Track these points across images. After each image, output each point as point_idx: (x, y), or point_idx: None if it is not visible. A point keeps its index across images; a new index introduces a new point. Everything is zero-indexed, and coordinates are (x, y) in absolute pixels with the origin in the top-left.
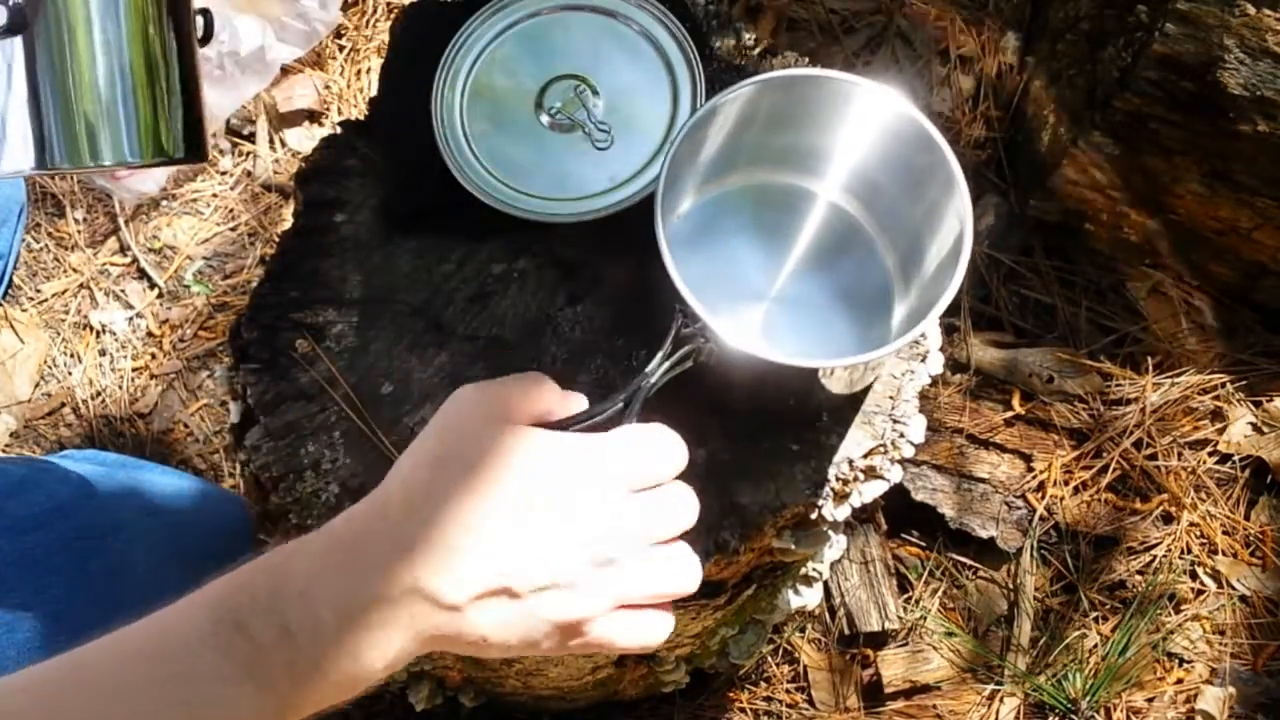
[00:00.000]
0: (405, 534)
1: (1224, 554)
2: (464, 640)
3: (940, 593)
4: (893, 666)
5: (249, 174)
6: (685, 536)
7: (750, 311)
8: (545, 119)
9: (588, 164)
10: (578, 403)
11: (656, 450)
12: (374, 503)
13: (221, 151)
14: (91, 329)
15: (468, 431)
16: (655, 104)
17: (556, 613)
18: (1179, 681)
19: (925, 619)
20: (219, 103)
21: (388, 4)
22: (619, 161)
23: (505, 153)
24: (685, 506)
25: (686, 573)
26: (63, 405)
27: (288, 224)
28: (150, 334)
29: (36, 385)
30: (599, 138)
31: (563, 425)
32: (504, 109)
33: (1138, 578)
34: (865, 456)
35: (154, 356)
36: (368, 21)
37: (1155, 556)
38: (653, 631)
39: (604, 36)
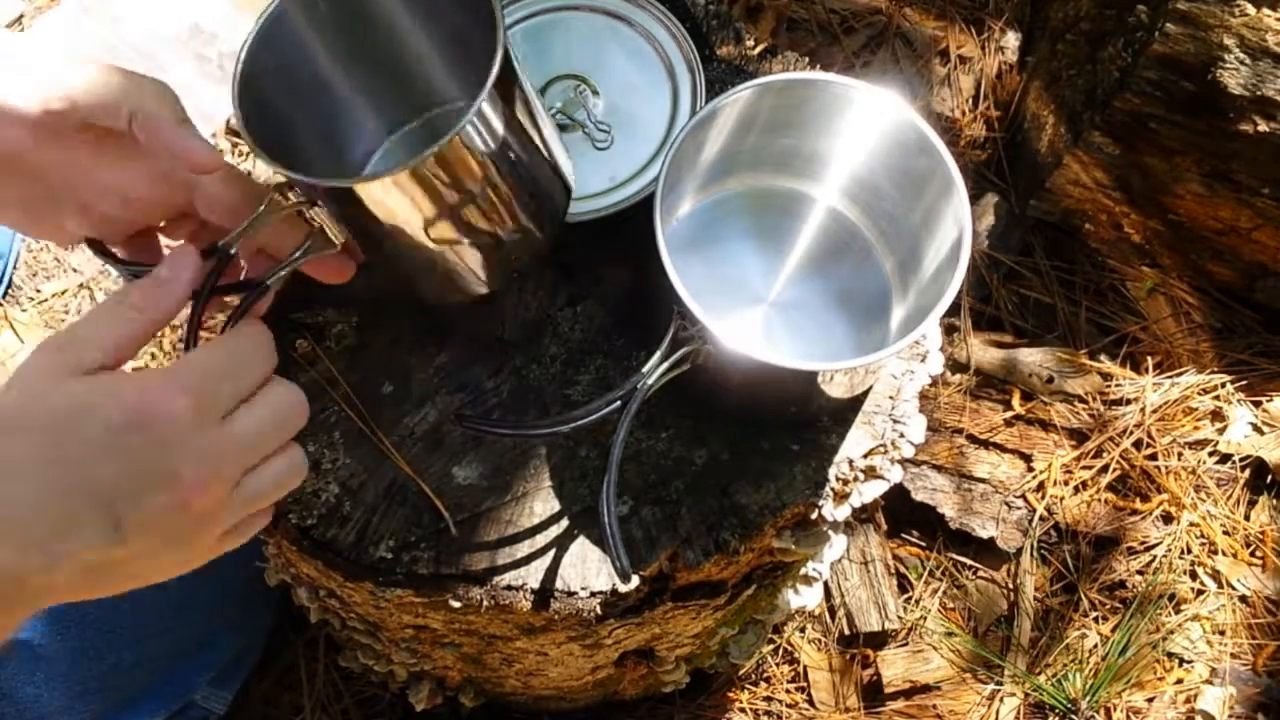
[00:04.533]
0: None
1: (1224, 554)
2: (75, 596)
3: (940, 593)
4: (893, 666)
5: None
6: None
7: (749, 314)
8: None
9: (588, 164)
10: (179, 275)
11: (235, 364)
12: None
13: (221, 152)
14: None
15: (19, 395)
16: (655, 104)
17: (158, 562)
18: (1179, 681)
19: (925, 619)
20: (219, 102)
21: None
22: (619, 162)
23: None
24: (284, 416)
25: (289, 473)
26: None
27: None
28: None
29: None
30: (599, 138)
31: (545, 428)
32: None
33: (1138, 578)
34: (865, 456)
35: (154, 356)
36: None
37: (1155, 556)
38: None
39: (604, 37)
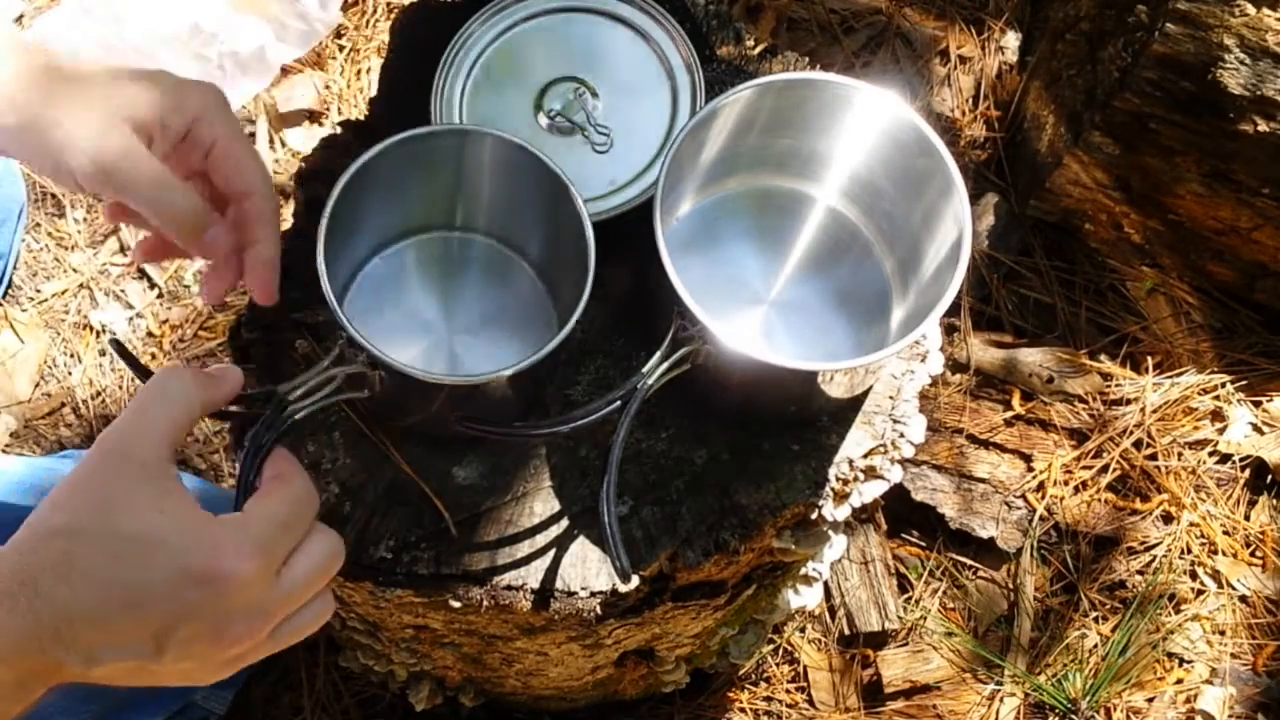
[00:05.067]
0: (33, 615)
1: (1224, 554)
2: (98, 683)
3: (940, 593)
4: (893, 666)
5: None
6: None
7: (749, 315)
8: (544, 121)
9: (588, 167)
10: (228, 377)
11: (295, 516)
12: (4, 578)
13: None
14: (91, 329)
15: (91, 500)
16: (655, 107)
17: (192, 678)
18: (1179, 681)
19: (925, 619)
20: None
21: (388, 4)
22: (619, 164)
23: None
24: (327, 567)
25: (319, 616)
26: (63, 405)
27: (288, 224)
28: (150, 334)
29: (36, 385)
30: (599, 140)
31: (538, 430)
32: (503, 111)
33: (1138, 578)
34: (865, 456)
35: (154, 356)
36: (368, 21)
37: (1155, 556)
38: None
39: (604, 39)
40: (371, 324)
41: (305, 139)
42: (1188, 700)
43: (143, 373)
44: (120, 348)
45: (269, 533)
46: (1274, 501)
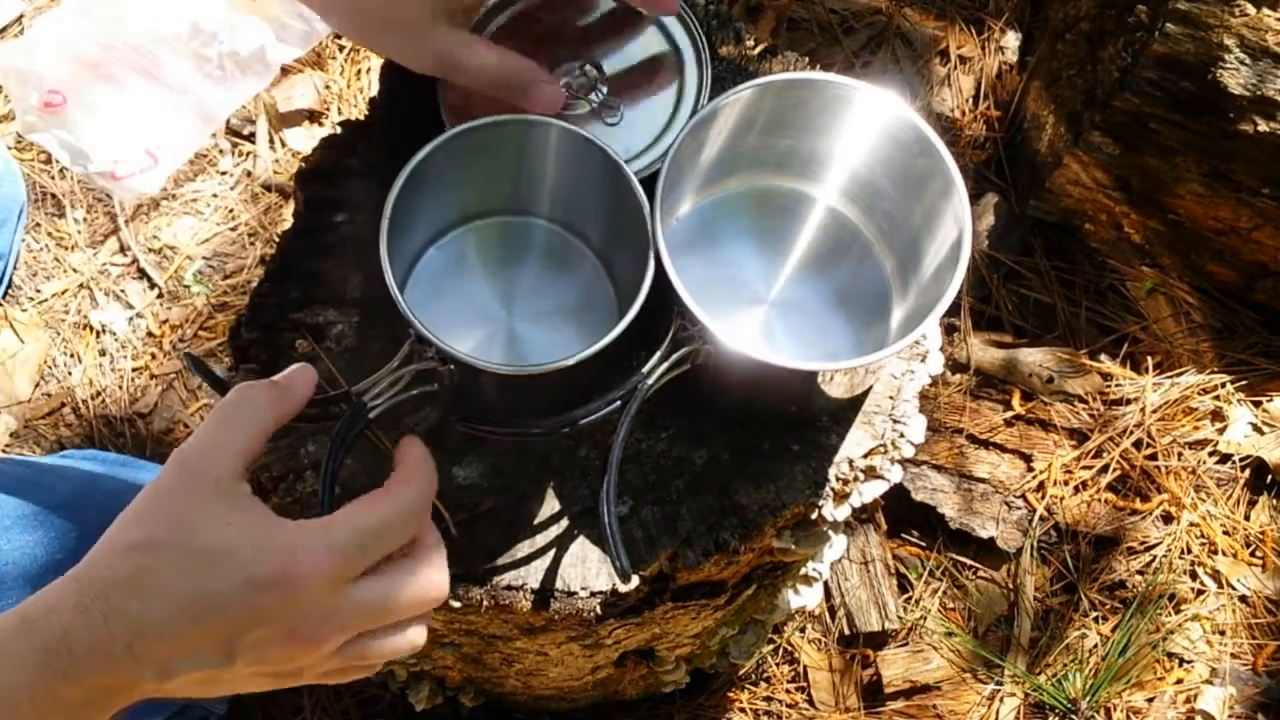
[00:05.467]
0: (107, 629)
1: (1224, 554)
2: (172, 696)
3: (940, 593)
4: (893, 666)
5: (249, 174)
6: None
7: (749, 315)
8: None
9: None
10: (299, 385)
11: (386, 528)
12: (79, 592)
13: (221, 151)
14: (91, 329)
15: (168, 515)
16: (661, 81)
17: (262, 686)
18: (1179, 681)
19: (925, 619)
20: (219, 103)
21: None
22: (631, 136)
23: None
24: (419, 599)
25: (397, 645)
26: (63, 405)
27: (288, 224)
28: (150, 334)
29: (36, 385)
30: (609, 114)
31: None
32: None
33: (1138, 578)
34: (865, 456)
35: (154, 356)
36: None
37: (1155, 556)
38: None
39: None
40: (431, 312)
41: (305, 139)
42: (1188, 700)
43: (220, 386)
44: (197, 362)
45: (349, 541)
46: (1274, 501)
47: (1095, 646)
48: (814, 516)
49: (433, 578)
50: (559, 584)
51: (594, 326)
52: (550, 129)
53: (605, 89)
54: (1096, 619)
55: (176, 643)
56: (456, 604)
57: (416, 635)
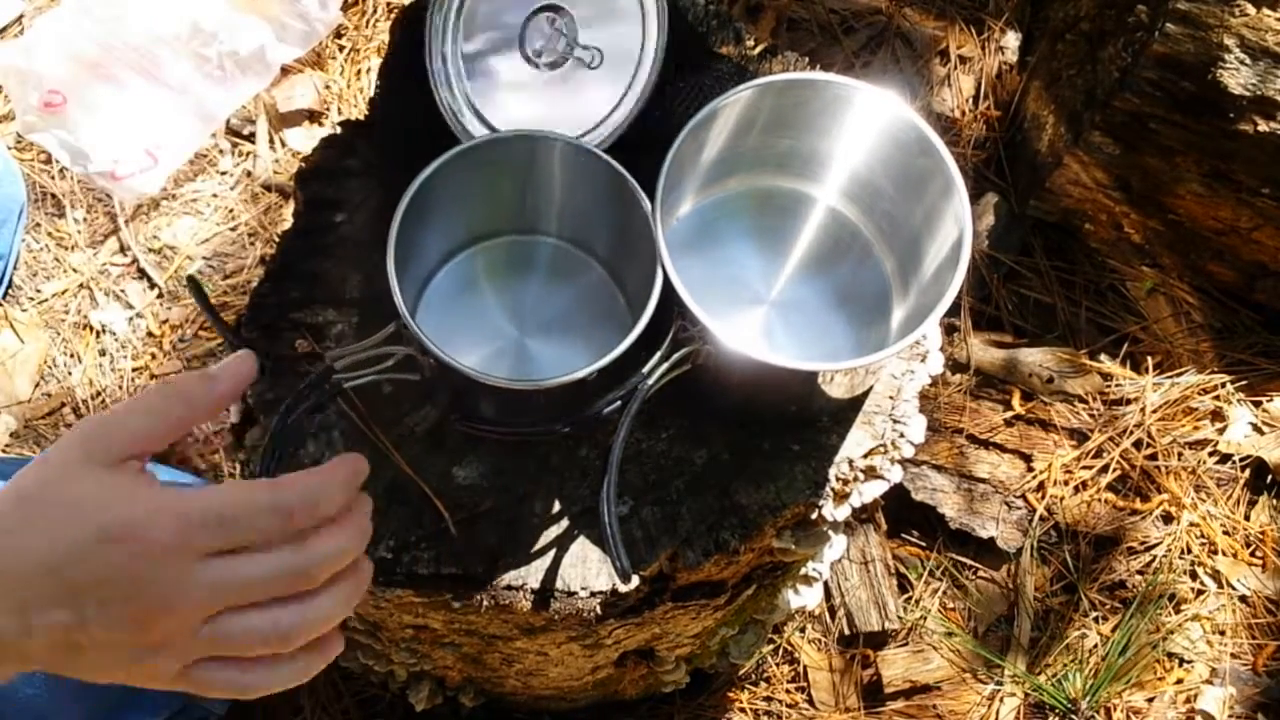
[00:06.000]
0: None
1: (1224, 554)
2: (54, 669)
3: (940, 593)
4: (893, 666)
5: (249, 174)
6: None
7: (749, 315)
8: (535, 61)
9: (589, 89)
10: (228, 377)
11: (227, 522)
12: None
13: (221, 151)
14: (91, 329)
15: (49, 471)
16: (627, 17)
17: (121, 665)
18: (1179, 681)
19: (925, 619)
20: (219, 103)
21: (388, 4)
22: (615, 82)
23: (512, 114)
24: (264, 580)
25: (254, 633)
26: (63, 405)
27: (288, 224)
28: (150, 334)
29: (36, 385)
30: (587, 57)
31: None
32: (497, 71)
33: (1138, 578)
34: (865, 456)
35: (154, 356)
36: (368, 21)
37: (1155, 556)
38: (230, 681)
39: None
40: (442, 330)
41: (305, 139)
42: (1188, 700)
43: (217, 319)
44: (195, 286)
45: (201, 517)
46: (1274, 501)
47: (1095, 646)
48: (814, 516)
49: (307, 568)
50: (559, 584)
51: (605, 339)
52: (555, 145)
53: (578, 34)
54: (1096, 619)
55: (30, 590)
56: (456, 604)
57: (289, 625)
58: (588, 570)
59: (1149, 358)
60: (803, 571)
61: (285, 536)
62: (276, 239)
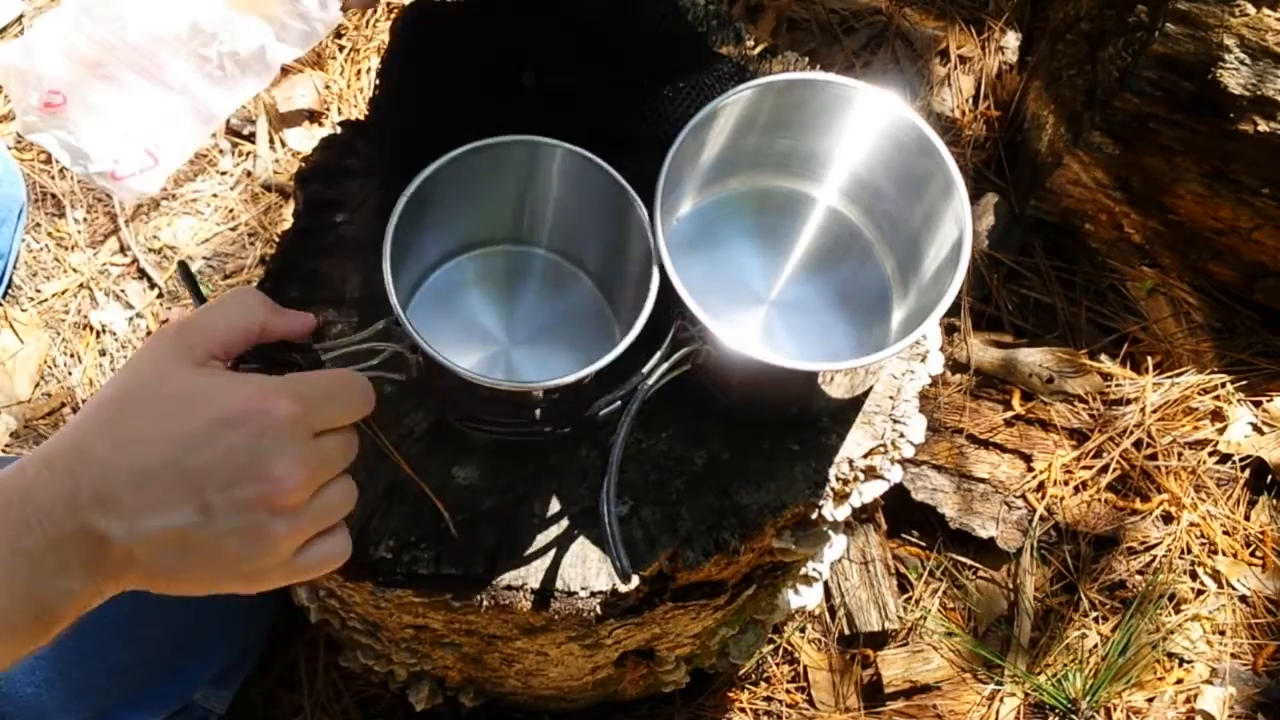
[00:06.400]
0: (72, 478)
1: (1224, 554)
2: (151, 579)
3: (940, 593)
4: (893, 666)
5: (249, 174)
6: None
7: (749, 315)
8: None
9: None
10: (295, 319)
11: (344, 391)
12: (47, 450)
13: (221, 151)
14: (92, 329)
15: (141, 374)
16: None
17: (235, 558)
18: (1179, 681)
19: (925, 619)
20: (219, 103)
21: (388, 4)
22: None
23: None
24: (351, 448)
25: (349, 495)
26: (63, 405)
27: (288, 224)
28: (150, 334)
29: (36, 385)
30: None
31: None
32: None
33: (1138, 578)
34: (865, 456)
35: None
36: (368, 21)
37: (1155, 556)
38: (335, 549)
39: None
40: (432, 334)
41: (305, 139)
42: (1188, 700)
43: (202, 300)
44: (185, 270)
45: (314, 391)
46: (1274, 501)
47: (1095, 646)
48: (814, 516)
49: (354, 435)
50: (559, 584)
51: (591, 351)
52: (555, 151)
53: None
54: (1096, 619)
55: (146, 491)
56: (456, 604)
57: (351, 483)
58: (588, 570)
59: (1149, 358)
60: (803, 571)
61: None
62: (276, 239)
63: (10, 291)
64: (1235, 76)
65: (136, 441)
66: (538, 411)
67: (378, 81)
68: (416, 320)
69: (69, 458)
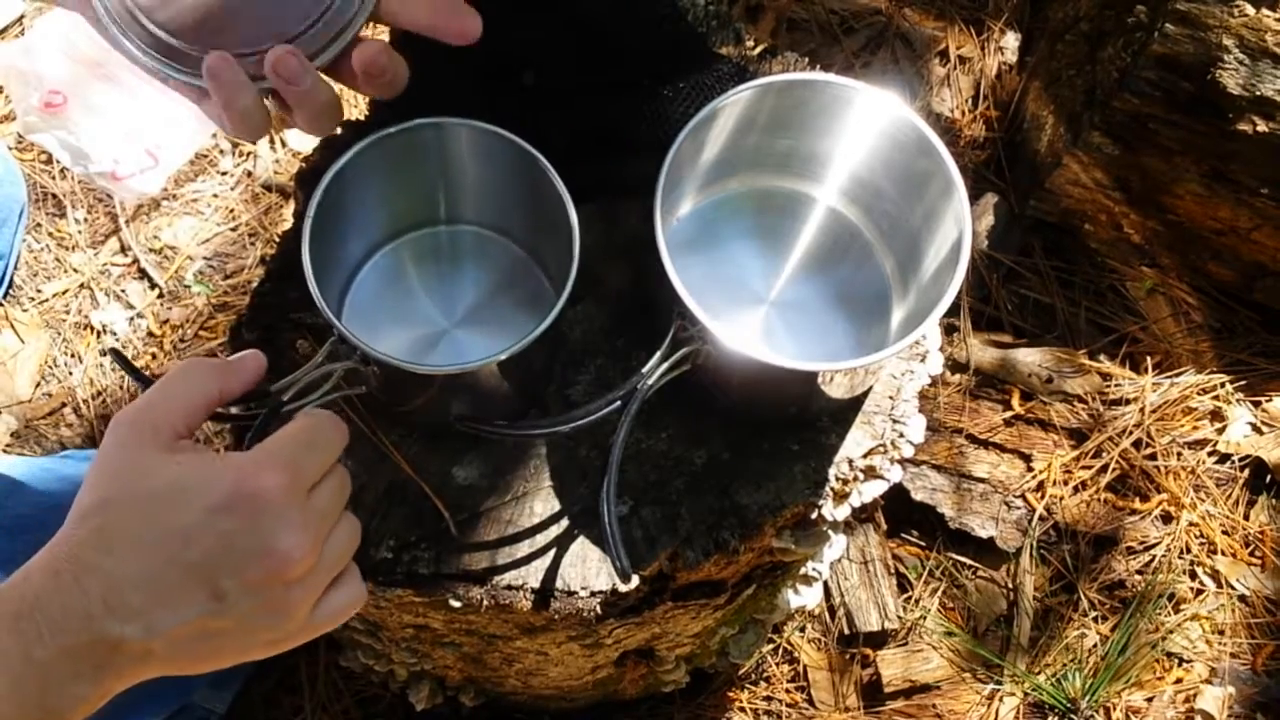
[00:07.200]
0: (80, 588)
1: (1224, 554)
2: (173, 667)
3: (940, 592)
4: (892, 666)
5: (249, 174)
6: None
7: (749, 315)
8: None
9: None
10: (248, 371)
11: (320, 439)
12: (49, 558)
13: (222, 151)
14: (92, 329)
15: (118, 473)
16: None
17: (255, 631)
18: (1178, 681)
19: (925, 619)
20: None
21: None
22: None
23: None
24: (346, 486)
25: (353, 536)
26: (63, 405)
27: (288, 224)
28: (151, 334)
29: (37, 385)
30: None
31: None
32: None
33: (1137, 578)
34: (865, 456)
35: (155, 357)
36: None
37: (1155, 556)
38: (350, 597)
39: None
40: (373, 324)
41: (305, 139)
42: (1187, 700)
43: (142, 380)
44: (119, 355)
45: (291, 449)
46: (1273, 501)
47: (1095, 646)
48: (814, 516)
49: (345, 471)
50: (559, 584)
51: (531, 321)
52: (461, 129)
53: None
54: (1096, 619)
55: (155, 591)
56: (456, 604)
57: (354, 519)
58: (588, 570)
59: (1148, 358)
60: (802, 571)
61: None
62: (276, 239)
63: (11, 291)
64: (1234, 77)
65: (135, 546)
66: (499, 392)
67: None
68: (353, 318)
69: (72, 569)
